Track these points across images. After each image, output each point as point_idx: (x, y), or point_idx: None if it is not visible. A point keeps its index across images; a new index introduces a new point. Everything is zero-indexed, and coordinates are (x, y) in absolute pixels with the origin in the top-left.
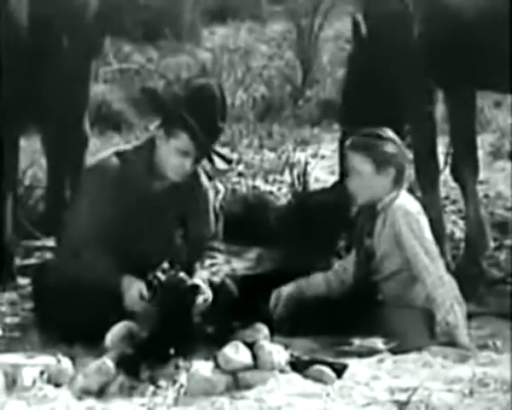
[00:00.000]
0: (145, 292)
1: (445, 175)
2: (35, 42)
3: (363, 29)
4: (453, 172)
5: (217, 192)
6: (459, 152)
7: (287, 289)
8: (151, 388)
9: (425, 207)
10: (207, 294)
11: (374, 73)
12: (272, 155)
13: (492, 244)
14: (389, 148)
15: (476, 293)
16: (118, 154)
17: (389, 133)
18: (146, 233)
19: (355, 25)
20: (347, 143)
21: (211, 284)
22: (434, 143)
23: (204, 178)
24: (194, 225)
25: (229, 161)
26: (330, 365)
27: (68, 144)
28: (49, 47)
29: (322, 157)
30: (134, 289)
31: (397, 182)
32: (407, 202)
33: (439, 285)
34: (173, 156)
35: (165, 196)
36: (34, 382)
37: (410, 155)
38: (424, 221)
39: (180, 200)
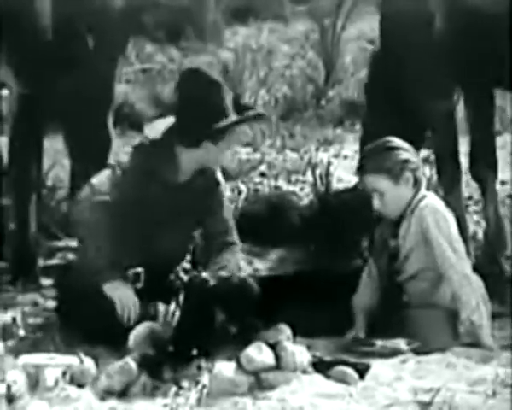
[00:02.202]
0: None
1: (468, 175)
2: (59, 42)
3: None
4: (472, 171)
5: (239, 192)
6: (478, 151)
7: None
8: (174, 388)
9: (447, 207)
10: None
11: (395, 73)
12: (295, 156)
13: None
14: (399, 156)
15: (496, 293)
16: (137, 147)
17: (395, 142)
18: (166, 229)
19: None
20: (357, 168)
21: (233, 284)
22: (456, 143)
23: (219, 175)
24: (210, 222)
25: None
26: (353, 365)
27: (92, 145)
28: (73, 47)
29: (345, 157)
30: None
31: (416, 182)
32: (435, 201)
33: (465, 284)
34: (222, 154)
35: (183, 192)
36: (57, 382)
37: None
38: (452, 220)
39: (198, 196)
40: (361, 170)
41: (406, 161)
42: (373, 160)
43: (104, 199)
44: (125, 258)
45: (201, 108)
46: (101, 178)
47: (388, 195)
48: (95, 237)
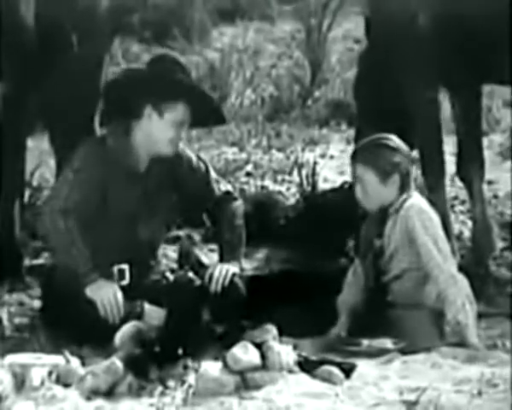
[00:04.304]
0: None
1: (454, 175)
2: (44, 42)
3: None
4: (459, 171)
5: None
6: (465, 151)
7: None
8: (160, 388)
9: (432, 206)
10: None
11: (383, 71)
12: (281, 155)
13: (501, 244)
14: (393, 157)
15: (482, 293)
16: (98, 137)
17: (394, 141)
18: (138, 219)
19: (367, 23)
20: (352, 153)
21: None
22: (441, 141)
23: (180, 155)
24: (193, 198)
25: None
26: (339, 365)
27: (78, 145)
28: (58, 47)
29: (331, 157)
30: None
31: (403, 187)
32: (420, 201)
33: (451, 284)
34: (169, 130)
35: (147, 181)
36: (43, 382)
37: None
38: (437, 220)
39: (163, 183)
40: (354, 158)
41: (398, 164)
42: (367, 152)
43: (66, 205)
44: (103, 255)
45: (146, 79)
46: (58, 184)
47: (370, 189)
48: (66, 247)
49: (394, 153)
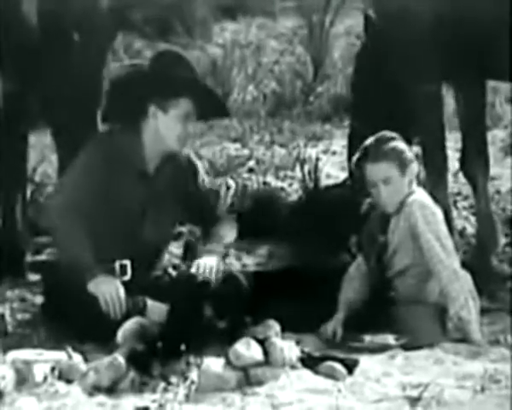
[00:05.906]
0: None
1: (458, 171)
2: (46, 39)
3: (374, 23)
4: (463, 167)
5: (228, 188)
6: (469, 147)
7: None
8: (162, 384)
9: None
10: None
11: (384, 67)
12: (283, 151)
13: (504, 240)
14: (403, 146)
15: (486, 289)
16: (106, 133)
17: (394, 134)
18: (145, 220)
19: (366, 20)
20: (363, 156)
21: (223, 280)
22: (443, 135)
23: (189, 158)
24: (194, 205)
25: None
26: (341, 361)
27: (80, 141)
28: (60, 43)
29: (334, 153)
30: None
31: (411, 180)
32: (423, 197)
33: (453, 279)
34: (176, 125)
35: (156, 182)
36: (45, 378)
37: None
38: (440, 215)
39: (171, 185)
40: (369, 158)
41: (409, 153)
42: (382, 148)
43: (71, 201)
44: (107, 252)
45: (148, 78)
46: (64, 179)
47: (394, 185)
48: (69, 242)
49: (402, 143)
